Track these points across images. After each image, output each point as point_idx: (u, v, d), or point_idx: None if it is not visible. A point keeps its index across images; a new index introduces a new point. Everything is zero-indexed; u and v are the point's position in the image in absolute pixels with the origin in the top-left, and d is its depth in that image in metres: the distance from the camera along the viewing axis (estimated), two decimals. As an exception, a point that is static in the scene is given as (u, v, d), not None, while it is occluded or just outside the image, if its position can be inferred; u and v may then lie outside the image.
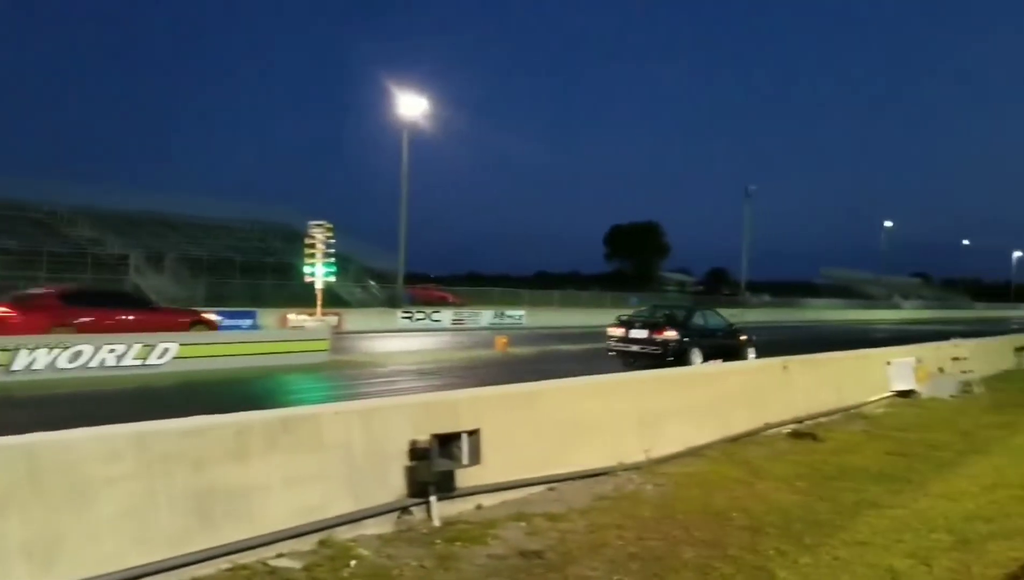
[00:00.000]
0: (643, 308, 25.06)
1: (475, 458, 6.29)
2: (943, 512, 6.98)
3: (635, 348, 20.01)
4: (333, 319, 27.38)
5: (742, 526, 6.46)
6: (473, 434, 6.30)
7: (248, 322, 27.17)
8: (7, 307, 17.69)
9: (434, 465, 6.11)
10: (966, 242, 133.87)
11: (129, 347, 15.57)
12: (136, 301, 21.16)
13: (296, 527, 5.53)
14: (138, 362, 15.58)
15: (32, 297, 18.91)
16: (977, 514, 6.94)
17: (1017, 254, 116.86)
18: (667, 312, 22.36)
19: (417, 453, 6.27)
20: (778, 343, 27.29)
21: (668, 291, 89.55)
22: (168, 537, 4.94)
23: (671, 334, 19.59)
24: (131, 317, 18.71)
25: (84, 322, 17.53)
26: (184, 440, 5.18)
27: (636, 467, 8.31)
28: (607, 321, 41.70)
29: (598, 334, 32.08)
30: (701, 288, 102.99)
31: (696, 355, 19.36)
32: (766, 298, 71.82)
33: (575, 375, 9.41)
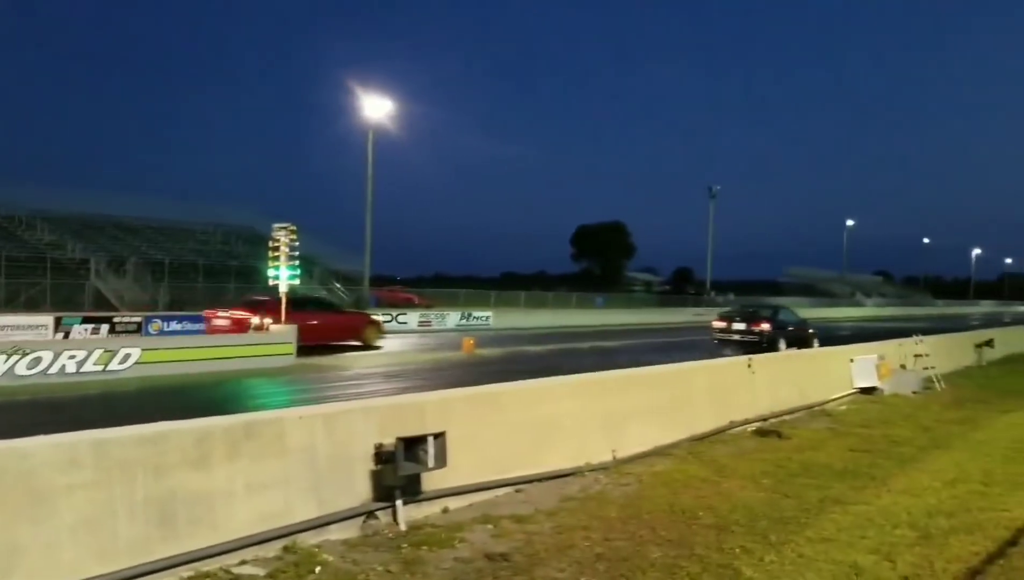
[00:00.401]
0: (736, 308, 31.20)
1: (441, 461, 6.26)
2: (906, 507, 7.08)
3: (736, 337, 25.34)
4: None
5: (708, 525, 6.50)
6: (439, 436, 6.27)
7: (212, 326, 26.75)
8: (245, 310, 21.47)
9: (399, 468, 6.06)
10: (927, 241, 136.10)
11: (90, 353, 15.27)
12: (329, 305, 26.37)
13: (260, 533, 5.47)
14: (99, 368, 15.28)
15: (260, 302, 22.85)
16: (939, 509, 7.05)
17: (976, 252, 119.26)
18: (753, 309, 28.14)
19: (382, 456, 6.22)
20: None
21: (634, 291, 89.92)
22: (129, 546, 4.86)
23: (766, 326, 25.25)
24: (328, 317, 23.75)
25: (305, 322, 21.33)
26: (144, 447, 5.09)
27: (603, 467, 8.33)
28: (573, 322, 42.09)
29: (565, 334, 32.18)
30: (667, 288, 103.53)
31: (782, 343, 24.00)
32: (731, 297, 72.19)
33: (542, 376, 9.40)
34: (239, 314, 21.19)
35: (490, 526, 6.32)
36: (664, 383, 10.56)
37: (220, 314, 21.79)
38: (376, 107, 36.43)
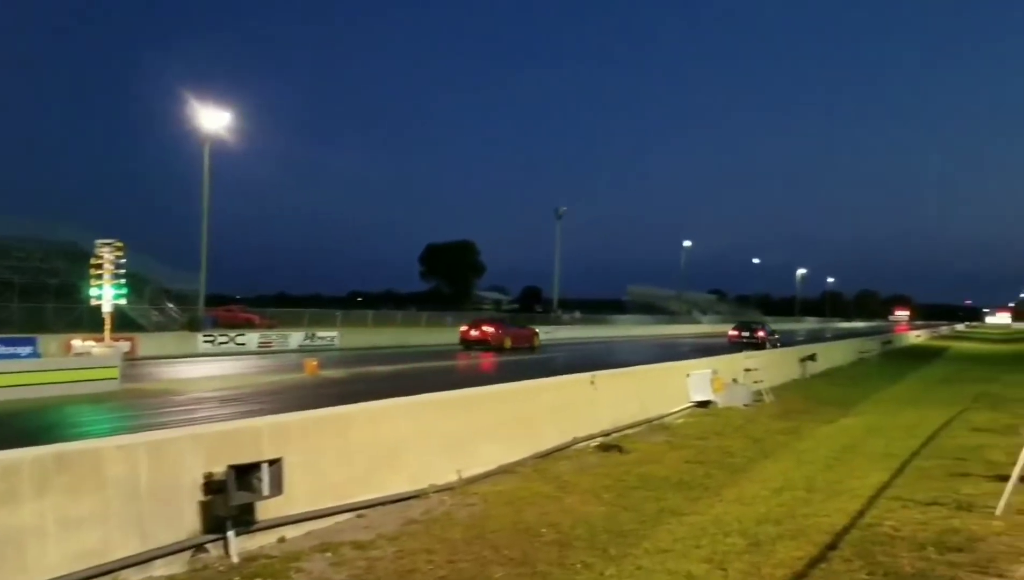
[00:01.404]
0: (743, 322, 50.23)
1: (277, 488, 5.99)
2: (737, 516, 7.36)
3: (745, 340, 39.88)
4: (125, 345, 25.31)
5: (551, 541, 6.52)
6: (275, 463, 5.99)
7: (27, 350, 24.61)
8: (491, 326, 35.47)
9: (231, 498, 5.75)
10: (757, 261, 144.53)
11: None
12: (518, 323, 40.42)
13: (75, 573, 5.08)
14: None
15: (492, 320, 39.36)
16: (767, 517, 7.37)
17: (802, 272, 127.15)
18: (753, 324, 47.13)
19: (213, 486, 5.89)
20: (590, 358, 28.30)
21: (484, 309, 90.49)
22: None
23: (762, 334, 42.38)
24: (518, 331, 37.65)
25: (511, 334, 36.08)
26: (-63, 484, 4.59)
27: (448, 488, 8.24)
28: (423, 340, 41.96)
29: (414, 354, 31.85)
30: (516, 306, 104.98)
31: (768, 344, 38.06)
32: (577, 315, 73.85)
33: (387, 396, 9.20)
34: (488, 329, 34.88)
35: (329, 554, 6.09)
36: (509, 401, 10.59)
37: (473, 330, 34.54)
38: (213, 118, 34.78)
